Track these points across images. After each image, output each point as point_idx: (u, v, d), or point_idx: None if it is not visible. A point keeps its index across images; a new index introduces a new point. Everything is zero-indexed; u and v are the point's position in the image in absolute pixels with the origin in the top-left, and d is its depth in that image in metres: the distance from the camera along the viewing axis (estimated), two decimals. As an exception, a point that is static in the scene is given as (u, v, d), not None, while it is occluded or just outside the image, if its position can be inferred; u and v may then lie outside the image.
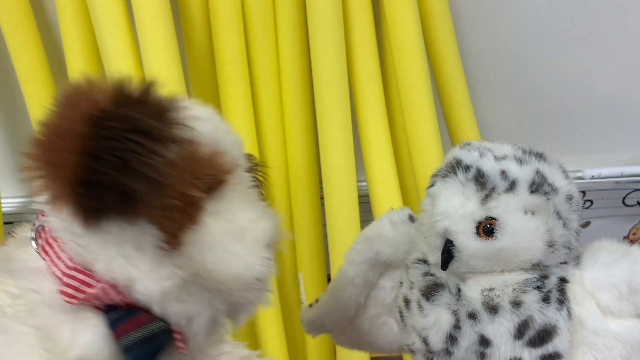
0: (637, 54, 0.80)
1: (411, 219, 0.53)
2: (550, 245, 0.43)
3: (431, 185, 0.47)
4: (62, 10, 0.65)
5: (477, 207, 0.43)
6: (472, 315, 0.43)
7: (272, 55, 0.68)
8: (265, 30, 0.67)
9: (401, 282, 0.50)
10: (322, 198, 0.74)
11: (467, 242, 0.43)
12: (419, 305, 0.46)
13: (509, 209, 0.42)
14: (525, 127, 0.85)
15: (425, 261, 0.47)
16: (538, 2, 0.75)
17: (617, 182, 0.88)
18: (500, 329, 0.43)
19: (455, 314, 0.44)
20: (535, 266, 0.44)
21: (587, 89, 0.83)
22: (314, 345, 0.76)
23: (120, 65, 0.62)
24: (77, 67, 0.66)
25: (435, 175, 0.47)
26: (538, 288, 0.43)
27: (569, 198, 0.44)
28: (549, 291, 0.43)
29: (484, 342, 0.43)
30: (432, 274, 0.46)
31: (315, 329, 0.56)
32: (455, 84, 0.71)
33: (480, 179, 0.43)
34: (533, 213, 0.42)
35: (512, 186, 0.43)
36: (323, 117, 0.66)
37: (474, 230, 0.43)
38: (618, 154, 0.89)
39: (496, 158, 0.44)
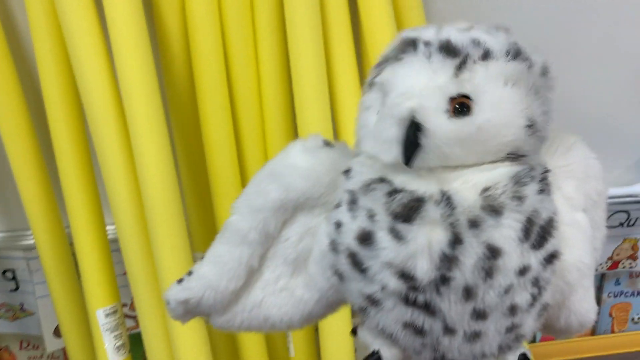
0: (619, 74, 0.81)
1: (327, 144, 0.42)
2: (530, 126, 0.36)
3: (376, 75, 0.38)
4: (35, 27, 0.63)
5: (448, 80, 0.35)
6: (474, 223, 0.35)
7: (251, 57, 0.67)
8: (243, 33, 0.65)
9: (337, 223, 0.39)
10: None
11: (440, 121, 0.34)
12: (394, 232, 0.36)
13: (488, 79, 0.35)
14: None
15: (383, 180, 0.37)
16: (517, 19, 0.75)
17: (599, 204, 0.88)
18: (509, 232, 0.35)
19: (453, 227, 0.35)
20: (513, 155, 0.37)
21: (570, 110, 0.82)
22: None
23: (92, 75, 0.60)
24: (52, 90, 0.64)
25: (380, 64, 0.38)
26: (533, 178, 0.37)
27: (544, 71, 0.39)
28: (542, 180, 0.37)
29: (494, 252, 0.35)
30: (402, 190, 0.36)
31: (187, 312, 0.43)
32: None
33: (448, 47, 0.35)
34: (513, 83, 0.36)
35: (487, 53, 0.36)
36: (303, 119, 0.64)
37: (447, 108, 0.34)
38: (600, 176, 0.88)
39: (460, 29, 0.37)
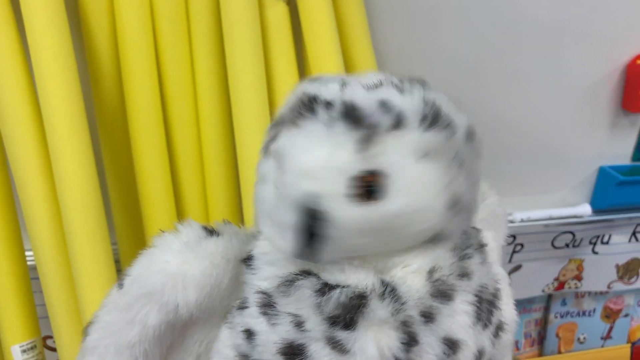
0: (564, 96, 0.81)
1: (211, 232, 0.35)
2: (454, 206, 0.31)
3: (272, 140, 0.32)
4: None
5: (352, 156, 0.29)
6: (429, 316, 0.30)
7: (186, 62, 0.62)
8: (176, 35, 0.61)
9: (247, 332, 0.31)
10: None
11: (343, 209, 0.28)
12: (333, 343, 0.29)
13: (401, 154, 0.29)
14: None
15: (308, 273, 0.31)
16: (465, 40, 0.75)
17: (546, 225, 0.88)
18: (465, 319, 0.31)
19: (406, 325, 0.29)
20: (434, 239, 0.32)
21: (515, 131, 0.83)
22: None
23: (7, 88, 0.54)
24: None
25: (276, 124, 0.32)
26: (472, 247, 0.33)
27: (470, 136, 0.34)
28: (480, 246, 0.33)
29: (453, 346, 0.30)
30: (336, 285, 0.29)
31: None
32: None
33: (352, 113, 0.29)
34: (431, 158, 0.30)
35: (399, 121, 0.29)
36: (240, 120, 0.60)
37: (350, 192, 0.28)
38: (546, 197, 0.89)
39: (367, 87, 0.31)
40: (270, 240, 0.32)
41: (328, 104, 0.30)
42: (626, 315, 1.05)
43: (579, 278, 0.97)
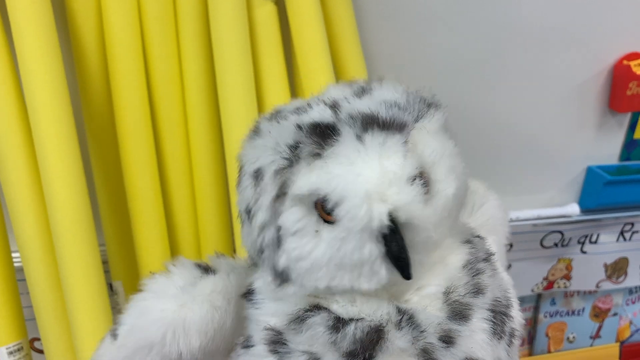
0: (552, 97, 0.81)
1: (206, 270, 0.34)
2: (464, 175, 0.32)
3: (283, 188, 0.29)
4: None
5: (401, 158, 0.28)
6: (449, 340, 0.29)
7: (174, 61, 0.62)
8: (165, 36, 0.61)
9: None
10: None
11: (424, 210, 0.28)
12: None
13: (435, 140, 0.30)
14: (443, 170, 0.83)
15: (318, 308, 0.29)
16: (453, 42, 0.75)
17: (534, 225, 0.88)
18: (483, 337, 0.30)
19: (427, 353, 0.28)
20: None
21: (504, 131, 0.83)
22: None
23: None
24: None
25: (281, 171, 0.29)
26: (481, 260, 0.32)
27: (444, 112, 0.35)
28: (487, 257, 0.33)
29: None
30: (350, 319, 0.28)
31: None
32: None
33: (378, 121, 0.28)
34: (449, 133, 0.32)
35: (415, 114, 0.30)
36: (230, 131, 0.60)
37: (420, 191, 0.28)
38: (535, 197, 0.89)
39: (359, 95, 0.31)
40: (346, 288, 0.29)
41: (345, 122, 0.28)
42: (615, 315, 1.06)
43: (567, 277, 0.98)
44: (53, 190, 0.53)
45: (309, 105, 0.31)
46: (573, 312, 1.04)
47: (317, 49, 0.62)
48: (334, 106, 0.30)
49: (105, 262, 0.68)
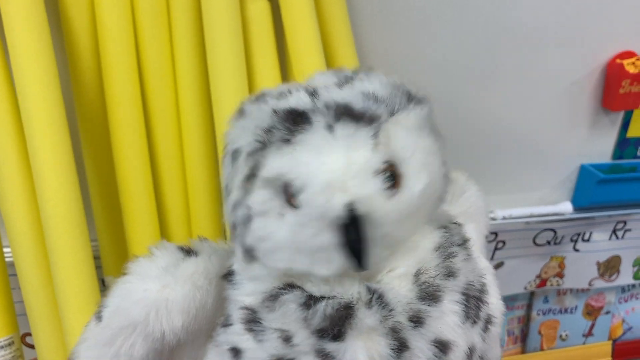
0: (546, 96, 0.82)
1: (188, 252, 0.35)
2: (446, 171, 0.32)
3: (254, 170, 0.29)
4: None
5: (369, 152, 0.28)
6: (418, 320, 0.30)
7: (166, 56, 0.62)
8: (157, 31, 0.61)
9: (233, 350, 0.31)
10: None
11: (385, 204, 0.28)
12: (323, 355, 0.28)
13: (408, 135, 0.30)
14: (436, 168, 0.83)
15: (292, 286, 0.30)
16: (447, 40, 0.75)
17: (527, 223, 0.88)
18: (454, 319, 0.31)
19: (395, 331, 0.29)
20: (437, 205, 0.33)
21: (497, 129, 0.83)
22: None
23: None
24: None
25: (254, 152, 0.29)
26: (455, 244, 0.32)
27: (429, 106, 0.34)
28: (463, 242, 0.33)
29: (444, 348, 0.30)
30: (321, 297, 0.29)
31: None
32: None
33: (352, 113, 0.28)
34: (427, 130, 0.31)
35: (391, 107, 0.30)
36: (222, 127, 0.60)
37: (383, 186, 0.28)
38: (528, 194, 0.89)
39: (339, 85, 0.31)
40: (303, 271, 0.30)
41: (318, 111, 0.29)
42: (607, 313, 1.06)
43: (560, 275, 0.98)
44: (44, 184, 0.53)
45: (290, 91, 0.31)
46: (566, 310, 1.04)
47: (310, 46, 0.62)
48: (313, 94, 0.30)
49: (97, 258, 0.68)
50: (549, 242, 0.93)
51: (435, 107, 0.77)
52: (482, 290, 0.34)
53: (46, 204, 0.53)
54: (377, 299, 0.29)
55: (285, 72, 0.66)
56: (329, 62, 0.66)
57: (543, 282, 0.98)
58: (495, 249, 0.90)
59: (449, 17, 0.74)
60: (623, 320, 1.08)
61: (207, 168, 0.65)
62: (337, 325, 0.28)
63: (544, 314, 1.04)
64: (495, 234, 0.89)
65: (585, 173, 0.88)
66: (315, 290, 0.30)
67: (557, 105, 0.83)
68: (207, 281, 0.34)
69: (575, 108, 0.84)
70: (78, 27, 0.60)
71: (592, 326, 1.07)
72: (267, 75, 0.62)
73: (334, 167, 0.28)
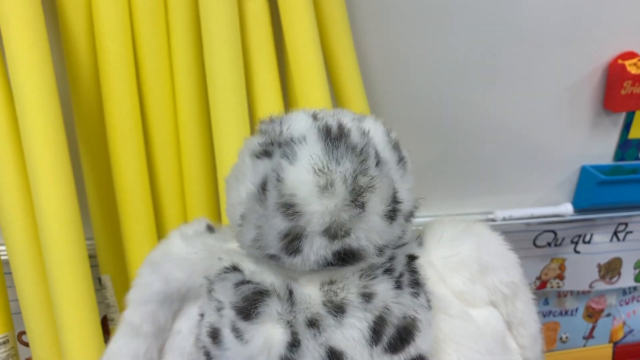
0: (547, 97, 0.81)
1: (210, 229, 0.42)
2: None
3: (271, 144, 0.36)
4: None
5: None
6: (313, 323, 0.33)
7: (164, 54, 0.62)
8: (155, 28, 0.60)
9: (202, 314, 0.37)
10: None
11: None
12: (235, 330, 0.33)
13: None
14: (433, 167, 0.83)
15: (235, 268, 0.36)
16: (448, 39, 0.74)
17: (527, 224, 0.88)
18: (352, 334, 0.33)
19: (290, 326, 0.33)
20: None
21: (497, 130, 0.83)
22: None
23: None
24: None
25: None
26: (388, 272, 0.34)
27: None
28: (401, 274, 0.35)
29: (335, 355, 0.32)
30: (250, 281, 0.34)
31: None
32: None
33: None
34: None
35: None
36: (219, 125, 0.60)
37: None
38: (528, 195, 0.89)
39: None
40: (235, 259, 0.36)
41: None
42: (608, 315, 1.05)
43: (561, 277, 0.97)
44: (39, 182, 0.53)
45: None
46: (566, 312, 1.04)
47: (308, 43, 0.62)
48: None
49: (94, 257, 0.67)
50: (549, 244, 0.92)
51: (435, 107, 0.77)
52: (408, 324, 0.34)
53: (40, 202, 0.53)
54: (286, 293, 0.33)
55: (282, 69, 0.66)
56: (327, 59, 0.66)
57: (543, 284, 0.97)
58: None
59: (449, 15, 0.73)
60: (624, 323, 1.08)
61: (203, 165, 0.64)
62: (249, 305, 0.33)
63: (544, 315, 1.03)
64: (495, 235, 0.88)
65: (586, 174, 0.87)
66: (251, 277, 0.35)
67: (558, 106, 0.82)
68: (206, 253, 0.40)
69: (576, 109, 0.83)
70: (75, 26, 0.60)
71: (593, 328, 1.06)
72: (264, 73, 0.62)
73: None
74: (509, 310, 0.40)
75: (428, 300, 0.36)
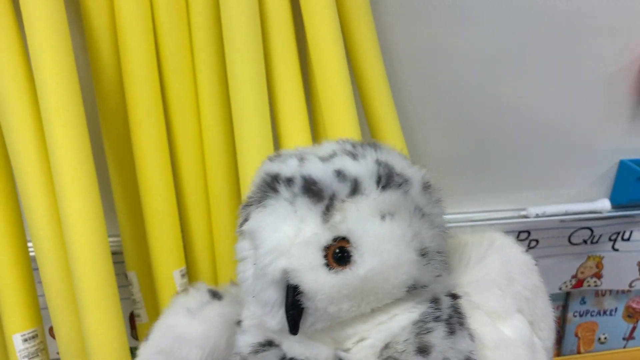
0: (583, 87, 0.78)
1: (214, 295, 0.41)
2: (424, 255, 0.33)
3: (244, 221, 0.35)
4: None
5: (318, 227, 0.32)
6: None
7: (185, 52, 0.62)
8: (176, 26, 0.61)
9: None
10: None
11: (319, 280, 0.31)
12: None
13: (362, 218, 0.32)
14: (463, 163, 0.81)
15: (271, 344, 0.33)
16: (478, 30, 0.72)
17: (562, 221, 0.85)
18: None
19: None
20: (412, 290, 0.33)
21: (531, 123, 0.80)
22: None
23: (7, 84, 0.55)
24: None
25: (246, 206, 0.36)
26: (438, 319, 0.33)
27: (426, 187, 0.35)
28: (450, 317, 0.33)
29: None
30: (291, 358, 0.32)
31: None
32: (385, 117, 0.67)
33: (312, 188, 0.32)
34: (392, 216, 0.32)
35: (355, 187, 0.32)
36: (241, 123, 0.59)
37: (324, 262, 0.31)
38: (563, 191, 0.86)
39: (322, 159, 0.34)
40: (260, 319, 0.34)
41: (289, 181, 0.33)
42: (650, 315, 1.01)
43: (598, 276, 0.94)
44: (62, 181, 0.54)
45: (285, 157, 0.36)
46: (605, 312, 1.00)
47: (330, 40, 0.61)
48: (301, 162, 0.34)
49: (120, 253, 0.68)
50: (585, 241, 0.89)
51: (465, 101, 0.75)
52: None
53: (63, 199, 0.54)
54: None
55: (304, 64, 0.65)
56: (350, 53, 0.65)
57: (579, 283, 0.94)
58: (528, 247, 0.87)
59: (479, 4, 0.71)
60: (667, 324, 1.03)
61: (226, 163, 0.64)
62: None
63: (580, 315, 0.99)
64: (528, 232, 0.85)
65: (624, 169, 0.83)
66: (290, 351, 0.33)
67: (594, 97, 0.79)
68: (223, 324, 0.39)
69: (614, 100, 0.80)
70: (98, 25, 0.60)
71: (634, 329, 1.02)
72: (285, 69, 0.61)
73: (283, 235, 0.32)
74: (531, 311, 0.39)
75: (471, 335, 0.35)
